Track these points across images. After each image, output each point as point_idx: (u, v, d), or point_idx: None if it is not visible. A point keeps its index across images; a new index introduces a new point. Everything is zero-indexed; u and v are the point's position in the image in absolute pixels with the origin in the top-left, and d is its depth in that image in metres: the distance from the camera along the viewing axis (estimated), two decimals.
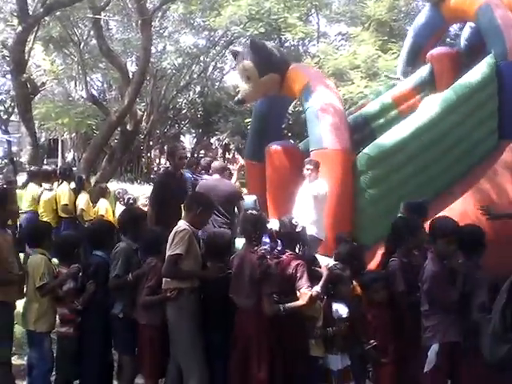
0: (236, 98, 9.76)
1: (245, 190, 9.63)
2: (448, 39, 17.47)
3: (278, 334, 4.39)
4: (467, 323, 4.27)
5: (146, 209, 8.27)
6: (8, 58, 15.51)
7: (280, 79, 9.08)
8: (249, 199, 8.36)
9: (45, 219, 8.70)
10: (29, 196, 9.14)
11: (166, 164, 39.36)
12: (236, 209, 7.13)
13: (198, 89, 31.91)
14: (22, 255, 5.84)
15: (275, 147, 8.62)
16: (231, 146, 37.73)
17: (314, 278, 4.46)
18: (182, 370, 4.63)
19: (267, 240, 5.09)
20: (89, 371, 4.83)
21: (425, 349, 4.41)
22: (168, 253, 4.53)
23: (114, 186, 13.89)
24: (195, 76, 29.67)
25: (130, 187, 16.74)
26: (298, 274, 4.35)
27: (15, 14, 14.37)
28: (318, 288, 4.37)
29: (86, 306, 4.81)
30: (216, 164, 8.02)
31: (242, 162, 9.89)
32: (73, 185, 9.37)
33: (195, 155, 30.16)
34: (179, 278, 4.56)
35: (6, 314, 4.76)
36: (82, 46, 20.01)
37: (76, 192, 9.16)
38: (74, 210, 9.03)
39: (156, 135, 32.30)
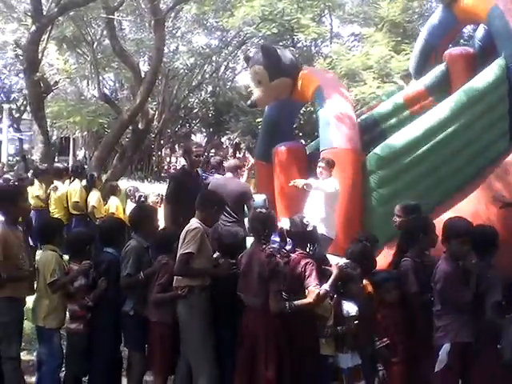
0: (249, 102, 9.83)
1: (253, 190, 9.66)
2: (462, 40, 17.40)
3: (287, 332, 4.38)
4: (480, 323, 4.29)
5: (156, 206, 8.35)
6: (22, 57, 15.57)
7: (291, 83, 9.11)
8: (258, 198, 8.36)
9: (56, 216, 8.76)
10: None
11: (176, 162, 39.48)
12: (246, 208, 7.13)
13: (209, 88, 31.96)
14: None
15: (282, 148, 8.66)
16: (242, 146, 37.75)
17: (324, 277, 4.45)
18: (191, 368, 4.63)
19: (277, 239, 5.09)
20: (98, 368, 4.85)
21: (436, 348, 4.40)
22: (180, 251, 4.53)
23: (124, 184, 13.95)
24: (207, 76, 29.72)
25: (141, 185, 16.78)
26: (307, 273, 4.34)
27: (29, 13, 14.42)
28: (326, 286, 4.35)
29: (97, 302, 4.82)
30: (231, 162, 8.03)
31: (252, 161, 9.93)
32: (84, 182, 9.42)
33: (206, 154, 30.15)
34: (191, 276, 4.56)
35: (16, 310, 4.79)
36: (95, 45, 20.07)
37: (87, 189, 9.20)
38: (85, 207, 9.07)
39: (167, 134, 32.38)
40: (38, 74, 12.66)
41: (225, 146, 36.06)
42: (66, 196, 9.15)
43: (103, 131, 26.27)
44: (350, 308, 4.53)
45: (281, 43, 22.05)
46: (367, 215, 7.71)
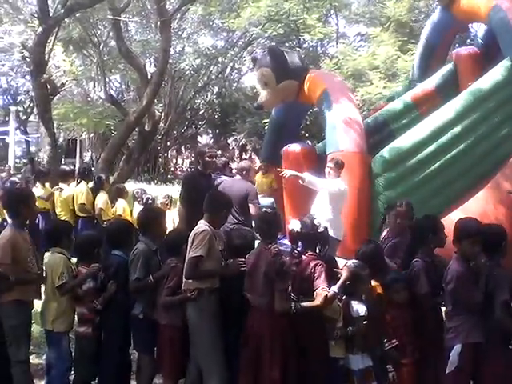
0: (255, 104, 9.84)
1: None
2: (468, 40, 17.35)
3: (294, 333, 4.36)
4: (490, 323, 4.28)
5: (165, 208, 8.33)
6: (28, 59, 15.60)
7: (298, 86, 9.12)
8: (266, 201, 8.34)
9: (62, 218, 8.76)
10: None
11: (182, 164, 39.48)
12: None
13: (215, 90, 32.02)
14: None
15: (292, 148, 8.63)
16: (248, 147, 37.77)
17: (333, 279, 4.42)
18: (201, 371, 4.62)
19: (286, 241, 5.06)
20: (107, 371, 4.83)
21: (447, 350, 4.39)
22: (189, 255, 4.51)
23: (131, 186, 13.94)
24: (213, 77, 29.77)
25: (147, 187, 16.80)
26: (316, 274, 4.32)
27: (35, 15, 14.44)
28: (335, 288, 4.33)
29: (106, 305, 4.80)
30: (240, 164, 8.01)
31: (258, 162, 9.98)
32: (91, 185, 9.42)
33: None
34: (201, 279, 4.55)
35: (24, 313, 4.77)
36: (101, 47, 20.13)
37: (94, 192, 9.20)
38: (92, 209, 9.06)
39: (173, 136, 32.43)
40: (44, 75, 12.67)
41: (231, 148, 36.09)
42: (73, 198, 9.14)
43: (110, 133, 26.33)
44: (358, 308, 4.49)
45: (287, 44, 22.07)
46: (374, 218, 7.67)
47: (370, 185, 7.84)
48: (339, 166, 7.33)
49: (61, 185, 9.39)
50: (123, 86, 31.34)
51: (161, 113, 24.78)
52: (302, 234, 4.55)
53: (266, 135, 11.16)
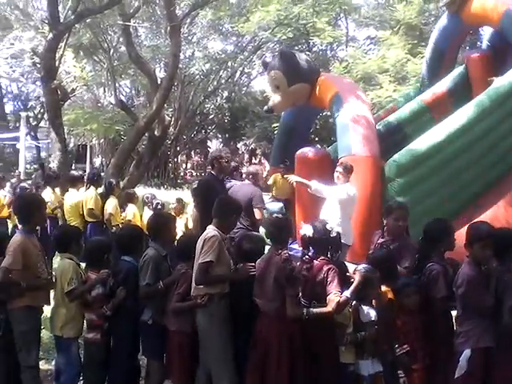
0: (265, 107, 9.78)
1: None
2: (478, 42, 17.26)
3: (304, 339, 4.33)
4: (500, 328, 4.25)
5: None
6: (39, 65, 15.70)
7: (309, 89, 9.07)
8: (275, 206, 8.31)
9: (72, 224, 8.76)
10: None
11: (192, 169, 39.53)
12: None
13: (225, 94, 32.09)
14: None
15: (305, 153, 8.51)
16: (258, 151, 37.80)
17: (345, 284, 4.39)
18: (211, 377, 4.60)
19: (295, 246, 5.03)
20: (116, 377, 4.82)
21: (457, 354, 4.35)
22: (199, 260, 4.49)
23: (140, 191, 13.99)
24: (223, 81, 29.85)
25: (157, 192, 16.83)
26: (329, 279, 4.28)
27: (46, 21, 14.53)
28: (347, 293, 4.29)
29: (115, 311, 4.78)
30: (249, 168, 7.99)
31: (268, 166, 9.92)
32: (100, 190, 9.42)
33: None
34: (211, 284, 4.53)
35: (34, 319, 4.77)
36: (111, 52, 20.21)
37: (104, 197, 9.20)
38: (101, 214, 9.07)
39: (183, 140, 32.50)
40: (55, 81, 12.74)
41: (240, 152, 36.12)
42: (82, 203, 9.15)
43: (120, 138, 26.45)
44: (368, 313, 4.46)
45: (296, 47, 22.08)
46: None
47: (383, 190, 7.76)
48: (348, 170, 7.26)
49: (70, 190, 9.40)
50: (133, 92, 31.49)
51: (171, 118, 24.83)
52: (314, 238, 4.52)
53: (275, 139, 11.13)
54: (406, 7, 19.70)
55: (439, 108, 9.16)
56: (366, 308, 4.45)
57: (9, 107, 38.83)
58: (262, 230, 8.03)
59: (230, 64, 27.95)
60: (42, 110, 32.31)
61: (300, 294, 4.37)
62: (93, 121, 23.62)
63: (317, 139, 22.73)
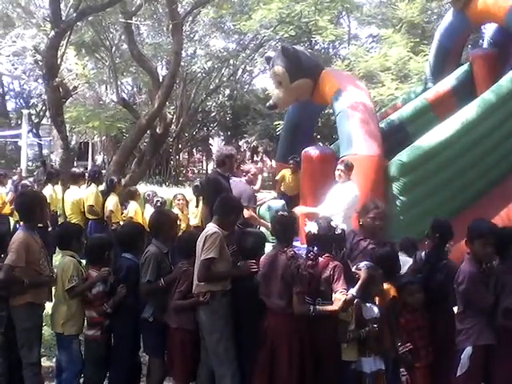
0: (268, 103, 9.75)
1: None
2: (481, 41, 17.23)
3: (311, 336, 4.34)
4: (498, 325, 4.29)
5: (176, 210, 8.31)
6: (41, 63, 15.70)
7: (312, 84, 9.00)
8: (277, 204, 8.30)
9: (73, 221, 8.78)
10: None
11: (194, 166, 39.53)
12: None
13: (227, 92, 32.04)
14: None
15: (313, 153, 8.42)
16: (259, 149, 37.76)
17: (350, 281, 4.39)
18: (213, 374, 4.61)
19: (297, 243, 5.03)
20: (117, 375, 4.83)
21: (458, 352, 4.37)
22: (201, 257, 4.50)
23: (142, 188, 13.97)
24: (225, 79, 29.80)
25: (159, 189, 16.83)
26: (335, 276, 4.31)
27: (48, 19, 14.53)
28: (353, 291, 4.30)
29: (116, 309, 4.79)
30: (245, 166, 7.98)
31: (269, 164, 9.91)
32: (102, 187, 9.43)
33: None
34: (214, 281, 4.54)
35: (37, 316, 4.79)
36: (113, 50, 20.19)
37: (105, 194, 9.21)
38: (102, 211, 9.08)
39: (185, 138, 32.49)
40: (57, 79, 12.74)
41: (242, 150, 36.09)
42: (83, 201, 9.16)
43: (121, 136, 26.44)
44: (371, 310, 4.46)
45: (298, 45, 22.04)
46: (389, 222, 7.58)
47: (386, 189, 7.72)
48: (350, 168, 7.24)
49: (71, 187, 9.42)
50: (135, 89, 31.46)
51: (172, 115, 24.85)
52: (318, 235, 4.52)
53: (281, 135, 11.11)
54: (408, 5, 19.65)
55: (443, 106, 9.12)
56: (368, 305, 4.46)
57: (11, 105, 38.93)
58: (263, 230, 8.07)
59: (231, 62, 27.90)
60: (43, 108, 32.32)
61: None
62: (95, 118, 23.59)
63: (319, 137, 22.71)
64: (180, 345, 4.70)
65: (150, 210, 8.94)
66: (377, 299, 4.58)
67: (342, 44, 25.15)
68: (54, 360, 5.19)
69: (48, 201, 8.58)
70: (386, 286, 4.63)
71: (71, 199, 9.19)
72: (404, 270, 5.04)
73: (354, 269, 4.56)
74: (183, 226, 8.62)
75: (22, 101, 37.55)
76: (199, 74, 28.13)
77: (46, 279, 4.81)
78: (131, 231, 5.29)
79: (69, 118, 21.83)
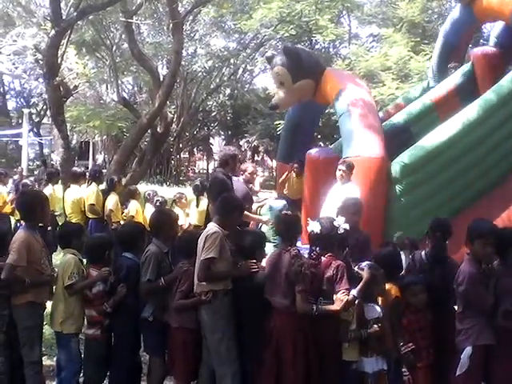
0: (270, 104, 9.71)
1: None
2: (481, 40, 17.22)
3: (314, 336, 4.36)
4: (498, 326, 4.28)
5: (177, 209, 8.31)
6: (41, 62, 15.71)
7: (314, 85, 8.96)
8: (278, 204, 8.28)
9: (73, 220, 8.79)
10: None
11: (195, 166, 39.51)
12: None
13: (227, 91, 32.08)
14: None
15: (315, 155, 8.36)
16: (260, 149, 37.78)
17: (353, 280, 4.40)
18: (214, 374, 4.62)
19: (299, 243, 5.03)
20: (117, 374, 4.83)
21: (458, 352, 4.36)
22: (201, 257, 4.50)
23: (143, 187, 13.98)
24: (225, 78, 29.83)
25: (160, 189, 16.84)
26: (338, 276, 4.31)
27: (48, 18, 14.53)
28: (354, 292, 4.31)
29: (116, 308, 4.79)
30: (242, 165, 7.97)
31: (270, 163, 9.89)
32: (102, 186, 9.44)
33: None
34: (214, 281, 4.54)
35: (38, 315, 4.79)
36: (113, 49, 20.23)
37: (105, 193, 9.22)
38: (102, 210, 9.08)
39: (185, 137, 32.51)
40: (57, 78, 12.75)
41: (243, 149, 36.12)
42: (83, 200, 9.17)
43: (122, 135, 26.47)
44: (373, 310, 4.46)
45: (299, 45, 22.04)
46: (391, 223, 7.58)
47: (388, 189, 7.69)
48: (351, 168, 7.24)
49: (72, 186, 9.42)
50: (136, 88, 31.50)
51: (173, 115, 24.89)
52: (321, 235, 4.53)
53: (281, 135, 11.08)
54: (408, 5, 19.66)
55: (446, 106, 9.06)
56: (370, 305, 4.45)
57: (11, 104, 38.99)
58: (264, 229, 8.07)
59: (232, 61, 27.92)
60: (44, 107, 32.34)
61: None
62: (95, 118, 23.62)
63: (319, 137, 22.73)
64: (182, 344, 4.69)
65: (150, 210, 8.94)
66: (379, 299, 4.58)
67: (343, 43, 25.17)
68: (55, 359, 5.19)
69: None
70: (388, 285, 4.63)
71: (71, 198, 9.19)
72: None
73: (356, 269, 4.56)
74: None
75: (22, 100, 37.59)
76: (200, 74, 28.15)
77: (48, 278, 4.81)
78: (131, 231, 5.28)
79: (69, 117, 21.86)
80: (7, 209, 10.04)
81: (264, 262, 4.78)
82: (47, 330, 5.15)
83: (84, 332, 4.90)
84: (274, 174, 10.95)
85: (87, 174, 9.94)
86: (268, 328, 4.43)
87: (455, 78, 9.55)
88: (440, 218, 5.34)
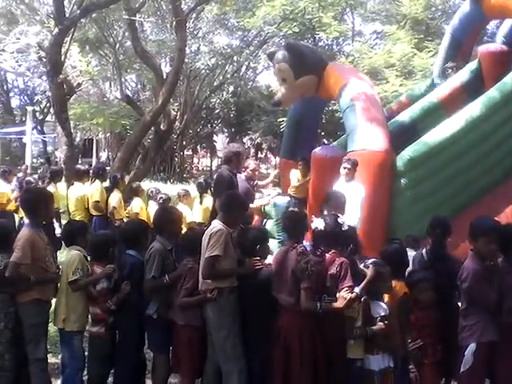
0: (272, 100, 9.69)
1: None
2: (485, 37, 17.18)
3: (320, 333, 4.36)
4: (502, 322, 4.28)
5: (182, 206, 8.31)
6: (44, 60, 15.72)
7: (317, 80, 8.94)
8: (282, 200, 8.28)
9: (77, 218, 8.79)
10: None
11: (198, 163, 39.50)
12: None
13: (231, 89, 32.09)
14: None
15: (321, 154, 8.30)
16: (263, 146, 37.79)
17: (357, 277, 4.39)
18: (219, 371, 4.62)
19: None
20: (122, 372, 4.83)
21: (462, 349, 4.36)
22: (206, 254, 4.50)
23: (146, 185, 13.99)
24: (228, 76, 29.84)
25: (163, 186, 16.85)
26: (342, 273, 4.31)
27: (52, 16, 14.55)
28: (357, 289, 4.30)
29: (120, 306, 4.79)
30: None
31: (273, 161, 9.89)
32: (106, 184, 9.45)
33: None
34: (219, 278, 4.54)
35: (43, 312, 4.81)
36: (117, 47, 20.23)
37: (108, 190, 9.23)
38: (106, 207, 9.09)
39: (189, 135, 32.52)
40: (61, 76, 12.76)
41: (246, 147, 36.15)
42: (87, 197, 9.18)
43: (126, 132, 26.50)
44: (379, 308, 4.45)
45: (302, 42, 22.05)
46: (395, 217, 7.57)
47: (393, 183, 7.69)
48: (356, 166, 7.24)
49: (75, 184, 9.44)
50: (139, 86, 31.54)
51: (176, 112, 24.86)
52: (325, 232, 4.53)
53: (284, 132, 11.07)
54: (412, 2, 19.63)
55: (453, 104, 9.00)
56: (376, 302, 4.45)
57: (15, 101, 39.04)
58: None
59: (235, 59, 27.92)
60: (48, 105, 32.42)
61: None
62: (99, 115, 23.66)
63: (323, 134, 22.70)
64: (187, 342, 4.69)
65: (153, 207, 8.95)
66: (386, 296, 4.57)
67: (346, 41, 25.13)
68: (60, 356, 5.20)
69: None
70: (394, 282, 4.62)
71: (75, 196, 9.19)
72: None
73: (361, 266, 4.56)
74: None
75: (26, 98, 37.64)
76: (203, 71, 28.15)
77: (53, 276, 4.81)
78: (135, 228, 5.28)
79: (73, 114, 21.90)
80: (11, 206, 10.06)
81: (268, 260, 4.80)
82: (52, 327, 5.15)
83: (88, 329, 4.91)
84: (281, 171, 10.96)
85: (91, 171, 9.95)
86: (276, 326, 4.43)
87: (462, 76, 9.51)
88: (439, 216, 5.39)
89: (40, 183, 10.28)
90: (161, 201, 8.81)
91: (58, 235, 7.44)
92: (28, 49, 19.40)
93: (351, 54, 19.69)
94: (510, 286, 4.26)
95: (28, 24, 19.87)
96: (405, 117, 9.38)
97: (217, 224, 4.63)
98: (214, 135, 38.09)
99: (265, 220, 8.22)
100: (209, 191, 8.90)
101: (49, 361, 5.07)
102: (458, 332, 4.42)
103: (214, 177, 8.12)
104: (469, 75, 9.46)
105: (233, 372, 4.52)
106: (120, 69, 19.71)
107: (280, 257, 4.53)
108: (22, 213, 8.92)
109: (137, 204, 9.14)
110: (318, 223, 4.55)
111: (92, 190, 9.17)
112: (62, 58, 13.50)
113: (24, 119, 29.94)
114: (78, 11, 13.44)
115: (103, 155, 36.49)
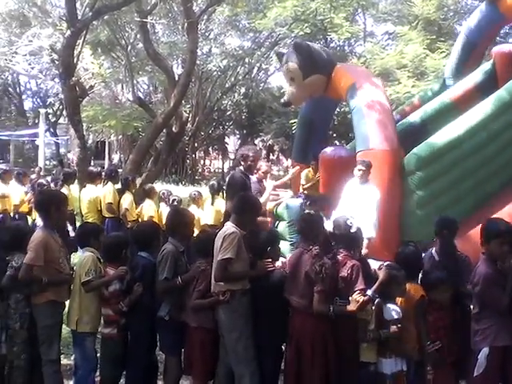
0: (282, 100, 9.69)
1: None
2: (497, 38, 17.05)
3: (333, 336, 4.35)
4: None
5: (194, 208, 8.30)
6: (57, 62, 15.81)
7: (326, 80, 8.93)
8: (295, 202, 8.25)
9: (90, 220, 8.83)
10: None
11: (210, 165, 39.53)
12: None
13: (242, 90, 32.09)
14: None
15: (332, 155, 8.27)
16: (275, 147, 37.79)
17: (369, 280, 4.38)
18: (230, 373, 4.62)
19: None
20: (133, 373, 4.84)
21: (475, 353, 4.34)
22: (219, 257, 4.50)
23: (158, 187, 13.99)
24: (240, 78, 29.85)
25: (175, 188, 16.87)
26: (353, 276, 4.29)
27: (64, 18, 14.63)
28: (370, 292, 4.28)
29: (132, 307, 4.80)
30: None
31: (285, 163, 9.86)
32: (118, 186, 9.47)
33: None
34: (232, 281, 4.54)
35: (58, 313, 4.84)
36: (129, 49, 20.32)
37: (120, 192, 9.25)
38: (118, 209, 9.12)
39: (201, 137, 32.56)
40: (73, 78, 12.80)
41: (258, 148, 36.15)
42: (99, 199, 9.21)
43: (138, 135, 26.58)
44: (392, 311, 4.42)
45: (310, 42, 22.02)
46: (406, 217, 7.55)
47: (403, 183, 7.67)
48: (369, 167, 7.23)
49: (88, 186, 9.47)
50: (151, 88, 31.64)
51: (188, 114, 24.94)
52: (334, 234, 4.51)
53: (295, 135, 11.04)
54: (424, 2, 19.53)
55: (466, 105, 8.94)
56: (389, 306, 4.42)
57: (28, 104, 39.31)
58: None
59: (247, 60, 27.93)
60: (60, 107, 32.61)
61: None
62: (111, 117, 23.74)
63: (335, 135, 22.66)
64: (199, 344, 4.69)
65: (164, 209, 8.95)
66: (399, 300, 4.53)
67: (358, 41, 25.06)
68: (72, 358, 5.21)
69: None
70: (408, 285, 4.58)
71: (88, 198, 9.22)
72: None
73: (376, 269, 4.54)
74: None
75: (39, 100, 37.89)
76: (215, 73, 28.18)
77: (66, 277, 4.83)
78: (147, 230, 5.31)
79: (85, 117, 21.99)
80: (24, 208, 10.12)
81: (279, 262, 4.79)
82: (64, 329, 5.17)
83: (100, 331, 4.92)
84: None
85: (103, 173, 9.98)
86: (290, 328, 4.43)
87: (476, 77, 9.44)
88: (445, 217, 5.47)
89: (53, 185, 10.32)
90: (174, 203, 8.82)
91: (73, 238, 7.46)
92: (40, 51, 19.56)
93: (363, 54, 19.61)
94: None
95: (40, 26, 19.99)
96: (416, 118, 9.34)
97: (230, 226, 4.63)
98: (226, 137, 38.13)
99: (277, 222, 8.19)
100: (220, 193, 8.90)
101: (61, 362, 5.09)
102: (471, 336, 4.39)
103: (226, 179, 8.10)
104: (483, 76, 9.38)
105: (245, 374, 4.51)
106: (132, 71, 19.79)
107: (295, 259, 4.52)
108: (34, 215, 8.98)
109: (150, 206, 9.15)
110: (326, 225, 4.55)
111: (104, 191, 9.20)
112: (75, 60, 13.55)
113: (37, 121, 30.08)
114: (90, 13, 13.49)
115: (115, 157, 36.63)
